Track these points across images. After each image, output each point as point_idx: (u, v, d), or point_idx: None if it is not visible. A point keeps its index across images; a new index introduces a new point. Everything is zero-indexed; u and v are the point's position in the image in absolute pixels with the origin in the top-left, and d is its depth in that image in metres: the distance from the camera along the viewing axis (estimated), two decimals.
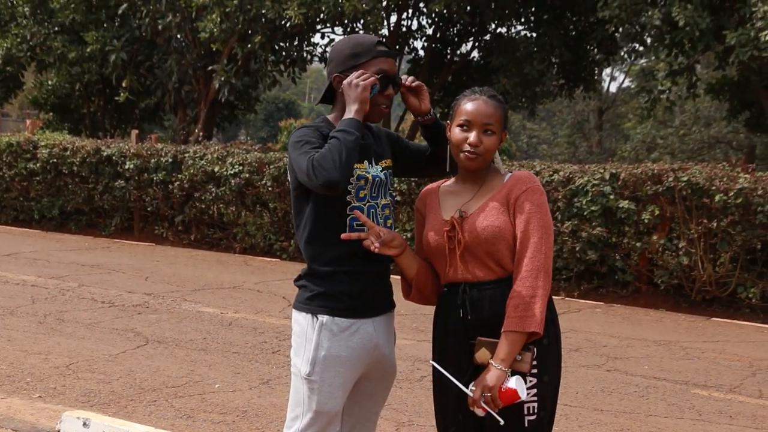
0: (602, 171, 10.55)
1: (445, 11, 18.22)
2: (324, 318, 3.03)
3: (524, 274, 2.89)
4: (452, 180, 3.19)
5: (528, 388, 2.89)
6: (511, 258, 2.96)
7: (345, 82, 3.03)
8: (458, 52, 22.07)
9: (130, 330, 7.61)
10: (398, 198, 11.73)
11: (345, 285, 3.04)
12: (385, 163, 3.19)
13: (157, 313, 8.45)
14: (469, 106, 3.03)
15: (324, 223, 3.03)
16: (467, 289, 2.99)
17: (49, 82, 23.94)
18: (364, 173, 3.07)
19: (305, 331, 3.06)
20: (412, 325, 8.00)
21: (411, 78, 3.21)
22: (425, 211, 3.17)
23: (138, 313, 8.35)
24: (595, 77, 22.13)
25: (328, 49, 21.04)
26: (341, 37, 3.16)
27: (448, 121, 3.12)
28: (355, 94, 2.99)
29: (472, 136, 2.99)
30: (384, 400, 3.31)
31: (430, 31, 21.79)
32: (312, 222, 3.05)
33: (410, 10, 20.87)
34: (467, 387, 2.92)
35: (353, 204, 3.04)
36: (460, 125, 3.02)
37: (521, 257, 2.92)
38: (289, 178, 3.13)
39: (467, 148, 2.99)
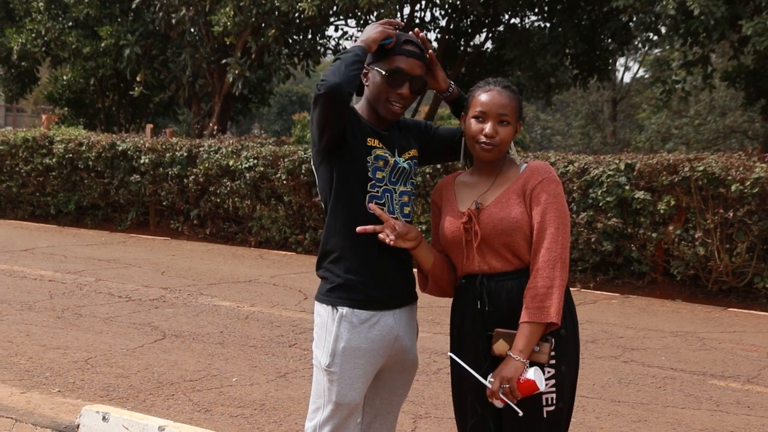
0: (617, 161, 10.52)
1: (458, 2, 18.18)
2: (344, 310, 3.05)
3: (541, 265, 2.90)
4: (468, 171, 3.19)
5: (546, 379, 2.90)
6: (528, 249, 2.96)
7: (376, 23, 3.11)
8: (471, 43, 22.02)
9: (148, 324, 7.64)
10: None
11: (364, 275, 3.05)
12: (410, 153, 3.21)
13: (174, 307, 8.48)
14: (483, 97, 3.03)
15: (344, 191, 3.06)
16: (484, 281, 2.99)
17: (64, 77, 24.05)
18: (384, 155, 3.09)
19: (326, 323, 3.08)
20: (428, 318, 8.01)
21: (416, 31, 3.23)
22: (441, 203, 3.18)
23: (155, 308, 8.39)
24: (610, 67, 22.01)
25: (341, 41, 21.03)
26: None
27: (463, 113, 3.12)
28: (369, 30, 3.09)
29: (488, 127, 3.00)
30: (405, 393, 3.32)
31: (443, 23, 21.75)
32: (332, 193, 3.08)
33: (423, 2, 20.83)
34: (485, 378, 2.92)
35: (370, 192, 3.06)
36: (476, 116, 3.03)
37: (538, 248, 2.92)
38: (311, 155, 3.18)
39: (483, 139, 3.00)
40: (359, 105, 3.19)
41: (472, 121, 3.04)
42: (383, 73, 3.07)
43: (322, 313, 3.11)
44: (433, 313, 8.16)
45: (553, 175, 3.01)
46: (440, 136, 3.34)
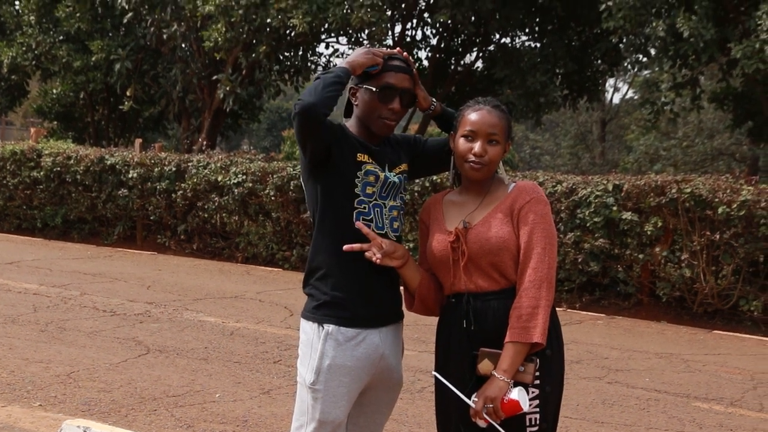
0: (605, 182, 10.54)
1: (449, 22, 18.26)
2: (330, 327, 3.04)
3: (527, 285, 2.89)
4: (456, 191, 3.19)
5: (530, 399, 2.89)
6: (515, 268, 2.95)
7: (366, 49, 3.13)
8: (462, 62, 22.11)
9: (132, 339, 7.60)
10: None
11: (351, 292, 3.05)
12: (400, 168, 3.22)
13: (159, 322, 8.45)
14: (473, 116, 3.04)
15: (330, 206, 3.06)
16: (470, 300, 2.99)
17: (54, 91, 24.03)
18: (374, 170, 3.10)
19: (311, 340, 3.08)
20: (414, 336, 7.99)
21: (398, 49, 3.26)
22: (429, 221, 3.18)
23: (140, 322, 8.35)
24: (599, 88, 22.12)
25: (332, 59, 21.09)
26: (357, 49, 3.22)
27: (452, 132, 3.13)
28: (357, 53, 3.11)
29: (477, 146, 3.00)
30: (389, 411, 3.31)
31: (434, 41, 21.86)
32: (318, 207, 3.08)
33: (415, 21, 20.93)
34: (470, 398, 2.91)
35: (357, 209, 3.06)
36: (465, 135, 3.03)
37: (525, 267, 2.92)
38: (301, 171, 3.20)
39: (472, 158, 3.00)
40: (350, 123, 3.20)
41: (461, 140, 3.04)
42: (374, 90, 3.09)
43: (308, 330, 3.10)
44: (419, 331, 8.14)
45: (541, 195, 3.01)
46: (430, 148, 3.35)
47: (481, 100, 3.11)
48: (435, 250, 3.06)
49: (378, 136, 3.16)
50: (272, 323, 8.71)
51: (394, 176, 3.16)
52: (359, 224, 3.04)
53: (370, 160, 3.10)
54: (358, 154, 3.08)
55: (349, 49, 21.94)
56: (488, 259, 2.95)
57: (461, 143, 3.03)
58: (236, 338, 7.90)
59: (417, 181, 11.15)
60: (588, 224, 10.43)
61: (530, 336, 2.85)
